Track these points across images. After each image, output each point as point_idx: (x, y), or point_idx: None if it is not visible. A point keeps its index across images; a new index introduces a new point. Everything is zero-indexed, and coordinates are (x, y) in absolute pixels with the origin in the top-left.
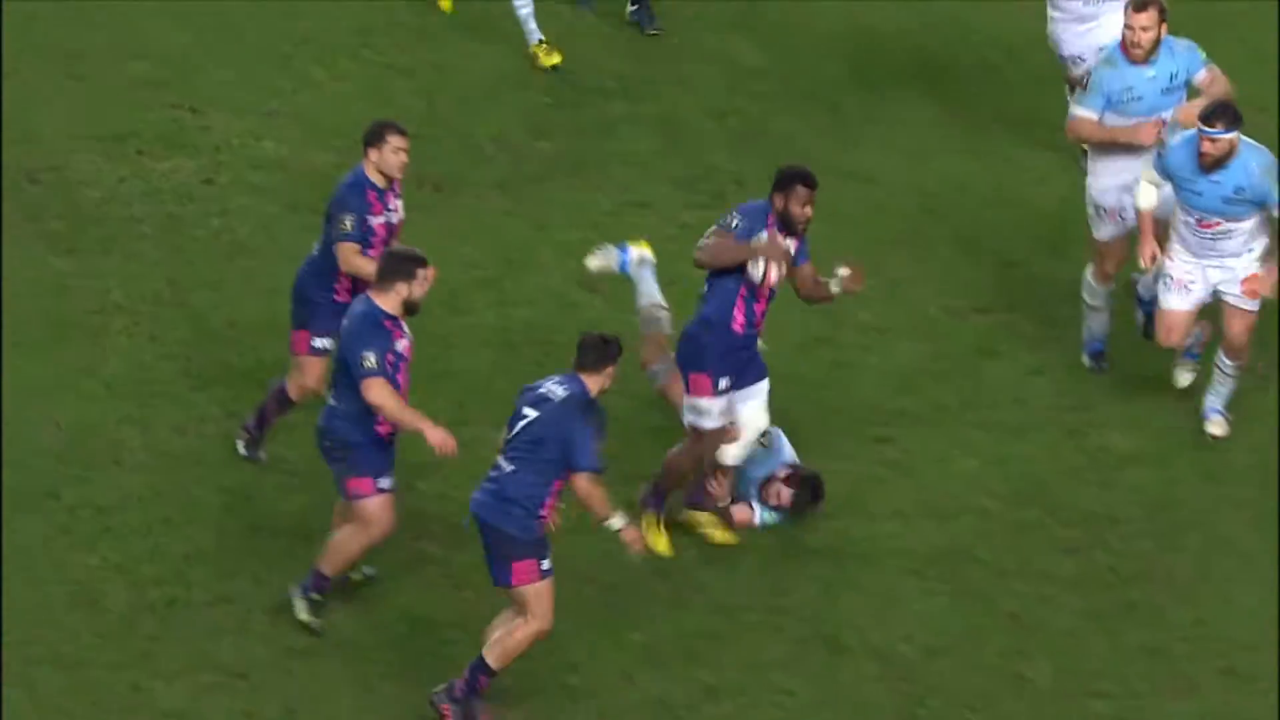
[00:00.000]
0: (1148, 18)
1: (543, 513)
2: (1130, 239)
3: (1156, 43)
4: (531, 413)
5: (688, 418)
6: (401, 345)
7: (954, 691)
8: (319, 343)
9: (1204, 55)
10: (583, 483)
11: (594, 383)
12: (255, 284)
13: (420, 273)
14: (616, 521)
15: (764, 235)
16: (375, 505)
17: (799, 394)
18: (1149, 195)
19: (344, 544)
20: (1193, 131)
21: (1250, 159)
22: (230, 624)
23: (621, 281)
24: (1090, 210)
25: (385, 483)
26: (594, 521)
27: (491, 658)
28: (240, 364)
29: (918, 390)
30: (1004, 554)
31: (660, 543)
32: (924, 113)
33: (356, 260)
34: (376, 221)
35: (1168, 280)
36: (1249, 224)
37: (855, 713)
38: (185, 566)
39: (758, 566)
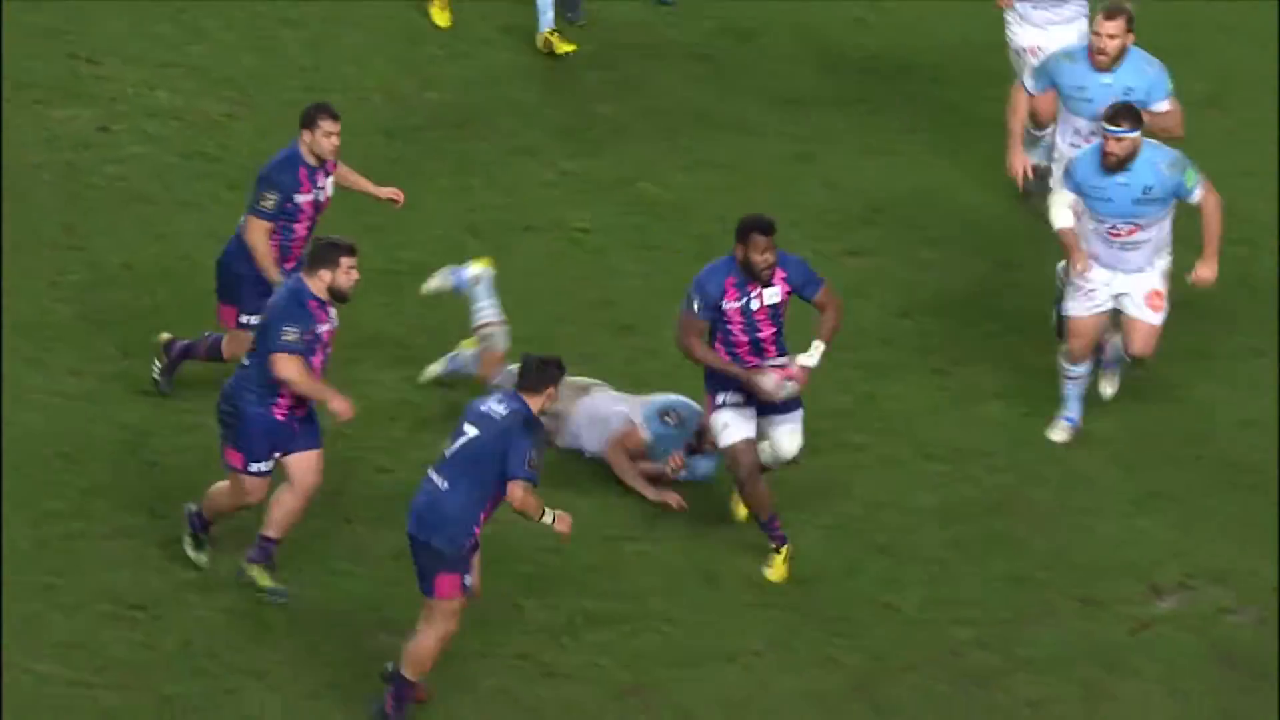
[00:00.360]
0: (1115, 26)
1: (475, 530)
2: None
3: (1122, 52)
4: (472, 430)
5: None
6: (323, 328)
7: (825, 619)
8: (246, 319)
9: (1171, 86)
10: (517, 491)
11: (535, 402)
12: (150, 229)
13: (344, 261)
14: (547, 518)
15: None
16: (247, 481)
17: (673, 335)
18: (1064, 216)
19: (218, 496)
20: (1095, 143)
21: (1154, 156)
22: (128, 557)
23: (505, 233)
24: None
25: (257, 466)
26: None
27: (411, 672)
28: (136, 306)
29: (790, 332)
30: (874, 488)
31: (779, 572)
32: (802, 65)
33: (261, 239)
34: (304, 199)
35: (1075, 287)
36: (1156, 233)
37: (731, 638)
38: (84, 501)
39: (635, 500)
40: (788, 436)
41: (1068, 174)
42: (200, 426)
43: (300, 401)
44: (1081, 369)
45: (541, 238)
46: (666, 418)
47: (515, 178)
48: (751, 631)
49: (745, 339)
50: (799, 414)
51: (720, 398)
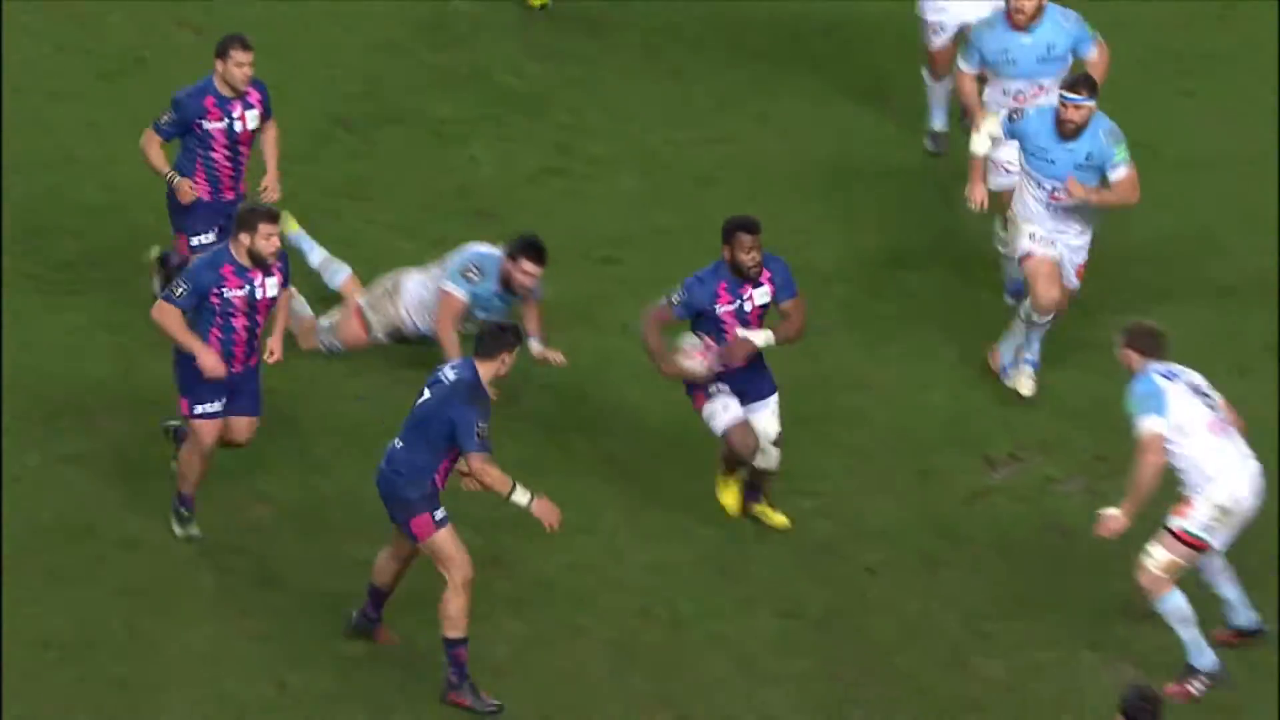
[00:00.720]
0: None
1: (430, 481)
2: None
3: (1039, 11)
4: (426, 393)
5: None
6: (235, 293)
7: (675, 496)
8: (197, 240)
9: (1093, 32)
10: (475, 464)
11: (486, 369)
12: (21, 119)
13: (263, 227)
14: (520, 497)
15: (692, 351)
16: (194, 425)
17: (530, 222)
18: (983, 143)
19: (184, 462)
20: (1051, 103)
21: (1098, 126)
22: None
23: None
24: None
25: (201, 408)
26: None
27: (450, 631)
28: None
29: (641, 216)
30: None
31: (777, 518)
32: None
33: (153, 149)
34: (214, 126)
35: (1032, 235)
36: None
37: (588, 514)
38: None
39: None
40: (767, 420)
41: (1011, 123)
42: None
43: (230, 358)
44: (1049, 318)
45: (405, 129)
46: (469, 275)
47: (380, 71)
48: (606, 506)
49: None
50: (774, 399)
51: (709, 389)
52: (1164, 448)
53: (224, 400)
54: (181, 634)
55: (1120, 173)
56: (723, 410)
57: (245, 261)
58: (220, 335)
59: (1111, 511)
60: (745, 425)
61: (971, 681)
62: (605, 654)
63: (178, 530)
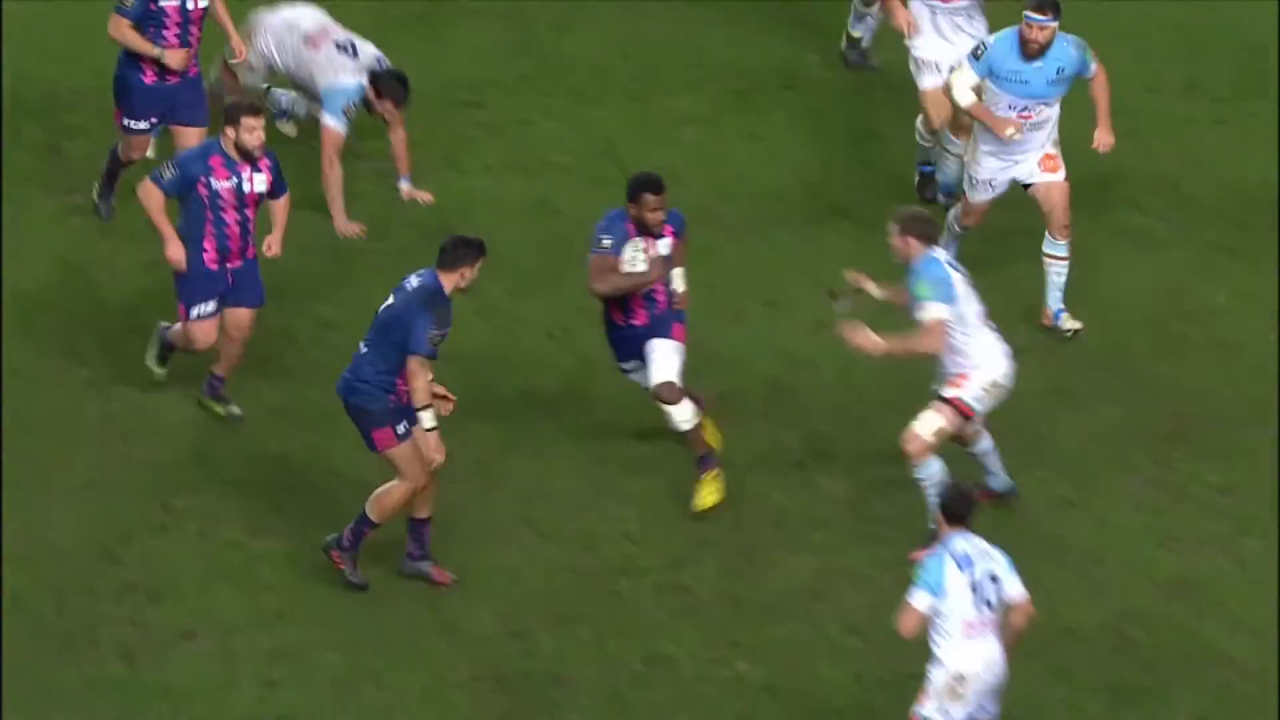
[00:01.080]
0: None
1: (392, 393)
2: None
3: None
4: (390, 299)
5: None
6: (223, 184)
7: (535, 322)
8: (130, 123)
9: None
10: (412, 364)
11: (448, 280)
12: None
13: (245, 120)
14: (426, 420)
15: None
16: (190, 328)
17: (398, 63)
18: (969, 94)
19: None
20: (1011, 29)
21: (1065, 42)
22: None
23: None
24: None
25: (197, 310)
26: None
27: (372, 513)
28: None
29: (503, 62)
30: (582, 204)
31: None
32: None
33: (125, 33)
34: (167, 4)
35: (973, 179)
36: (1054, 112)
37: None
38: None
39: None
40: (660, 363)
41: (979, 60)
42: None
43: (226, 253)
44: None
45: None
46: (347, 112)
47: None
48: (479, 344)
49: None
50: (673, 346)
51: (624, 366)
52: (945, 333)
53: (218, 300)
54: (69, 460)
55: (1094, 70)
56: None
57: (233, 154)
58: (214, 230)
59: (871, 335)
60: (671, 385)
61: (818, 498)
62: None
63: (220, 410)
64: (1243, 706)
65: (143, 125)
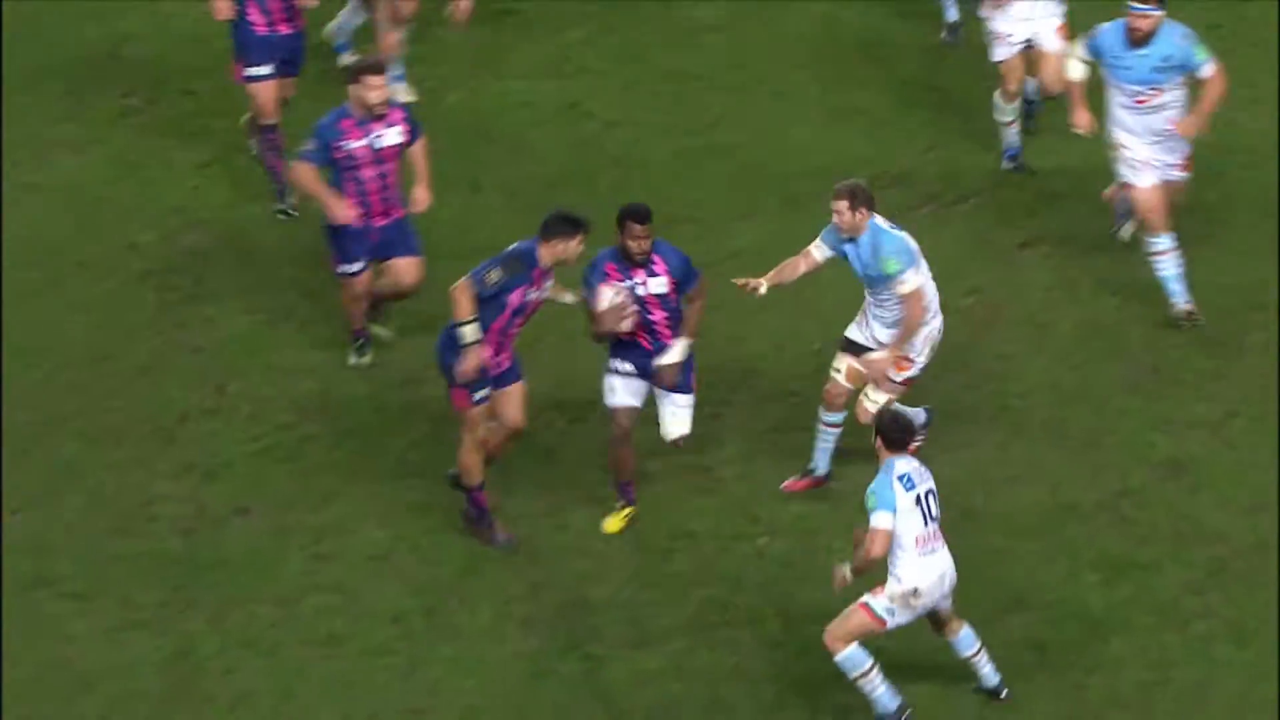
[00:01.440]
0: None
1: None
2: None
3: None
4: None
5: None
6: (357, 144)
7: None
8: (250, 71)
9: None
10: (460, 282)
11: (544, 249)
12: None
13: (367, 79)
14: (468, 334)
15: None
16: (346, 282)
17: None
18: (1077, 69)
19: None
20: (1119, 20)
21: (1171, 31)
22: None
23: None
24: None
25: (345, 267)
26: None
27: (464, 479)
28: None
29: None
30: (613, 108)
31: (616, 524)
32: None
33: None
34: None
35: (1132, 162)
36: (1174, 97)
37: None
38: None
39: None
40: (671, 418)
41: (1091, 45)
42: None
43: (369, 208)
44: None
45: None
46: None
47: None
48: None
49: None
50: (688, 400)
51: (614, 364)
52: (924, 297)
53: (367, 256)
54: (129, 347)
55: (1207, 70)
56: (620, 390)
57: (361, 114)
58: (355, 188)
59: (886, 351)
60: (630, 412)
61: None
62: None
63: (353, 360)
64: (1231, 579)
65: (264, 70)
